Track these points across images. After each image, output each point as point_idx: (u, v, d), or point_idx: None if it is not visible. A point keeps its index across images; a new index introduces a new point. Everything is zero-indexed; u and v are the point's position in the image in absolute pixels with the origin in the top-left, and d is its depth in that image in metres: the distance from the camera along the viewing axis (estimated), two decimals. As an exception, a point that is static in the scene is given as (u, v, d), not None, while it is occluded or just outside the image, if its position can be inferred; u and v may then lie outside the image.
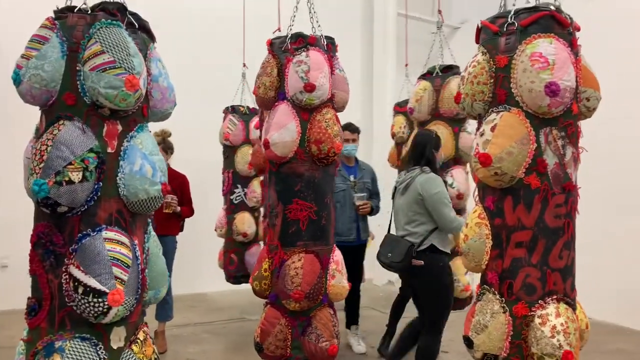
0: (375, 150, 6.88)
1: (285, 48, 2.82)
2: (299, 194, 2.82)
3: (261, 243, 5.42)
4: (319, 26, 2.93)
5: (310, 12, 2.97)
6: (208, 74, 5.92)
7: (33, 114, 4.92)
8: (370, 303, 5.77)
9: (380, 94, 7.26)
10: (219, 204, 5.39)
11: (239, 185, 5.39)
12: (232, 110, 5.36)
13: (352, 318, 4.36)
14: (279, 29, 4.49)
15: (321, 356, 2.80)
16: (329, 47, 2.92)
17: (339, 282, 2.94)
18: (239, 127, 5.33)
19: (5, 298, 5.01)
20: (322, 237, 2.88)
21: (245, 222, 5.31)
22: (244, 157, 5.32)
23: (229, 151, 5.39)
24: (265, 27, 4.73)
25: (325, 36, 2.93)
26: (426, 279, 3.01)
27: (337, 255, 2.98)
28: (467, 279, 3.89)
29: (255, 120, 5.34)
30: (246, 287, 5.54)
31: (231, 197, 5.41)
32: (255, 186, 5.43)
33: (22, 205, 5.34)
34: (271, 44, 2.92)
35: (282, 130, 2.75)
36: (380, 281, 6.88)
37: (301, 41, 2.81)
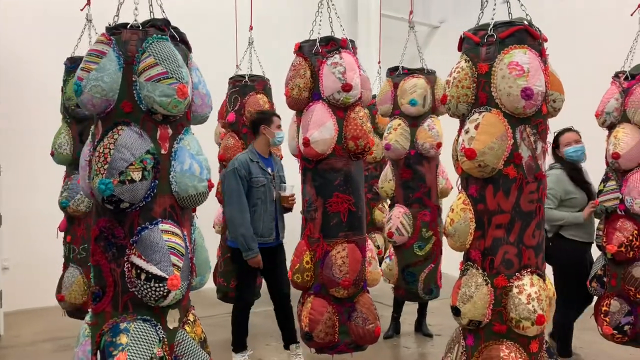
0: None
1: (316, 51, 3.04)
2: (338, 187, 3.06)
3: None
4: (343, 30, 3.16)
5: (329, 16, 3.19)
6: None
7: (32, 123, 5.00)
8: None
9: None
10: (217, 201, 5.57)
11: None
12: (227, 110, 5.56)
13: (290, 335, 3.88)
14: (250, 27, 4.72)
15: (369, 338, 3.06)
16: (354, 49, 3.16)
17: (375, 268, 3.25)
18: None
19: (8, 299, 5.11)
20: (360, 227, 3.15)
21: (242, 218, 5.52)
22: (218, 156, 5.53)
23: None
24: (257, 29, 4.95)
25: (350, 39, 3.17)
26: None
27: (370, 244, 3.24)
28: None
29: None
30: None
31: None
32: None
33: (23, 209, 5.49)
34: (300, 47, 3.13)
35: (322, 128, 2.98)
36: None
37: (333, 44, 3.04)
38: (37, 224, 5.50)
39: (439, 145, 4.16)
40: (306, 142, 3.00)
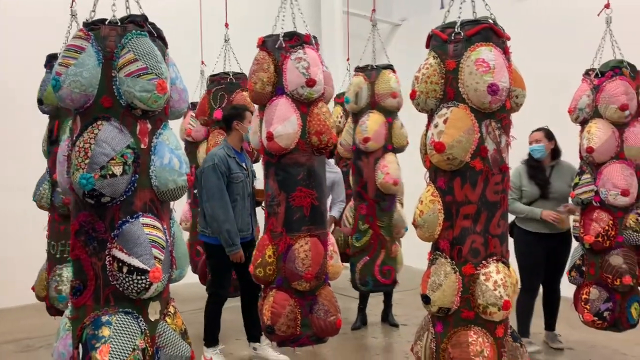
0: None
1: (279, 46, 3.05)
2: (301, 182, 3.07)
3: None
4: (306, 26, 3.21)
5: (292, 11, 3.23)
6: (165, 72, 6.07)
7: (18, 118, 4.89)
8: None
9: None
10: (182, 198, 5.56)
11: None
12: (193, 107, 5.53)
13: (256, 331, 3.98)
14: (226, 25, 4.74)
15: (331, 330, 3.10)
16: (317, 45, 3.20)
17: (336, 262, 3.28)
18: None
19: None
20: (322, 222, 3.18)
21: (209, 215, 5.52)
22: (206, 152, 5.52)
23: (191, 147, 5.57)
24: (221, 25, 4.96)
25: (312, 35, 3.21)
26: None
27: (332, 238, 3.29)
28: None
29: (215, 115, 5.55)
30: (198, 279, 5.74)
31: (195, 191, 5.60)
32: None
33: (4, 206, 5.36)
34: (264, 42, 3.13)
35: (286, 122, 2.99)
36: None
37: (296, 39, 3.06)
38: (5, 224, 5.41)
39: (366, 139, 4.28)
40: (270, 137, 3.01)
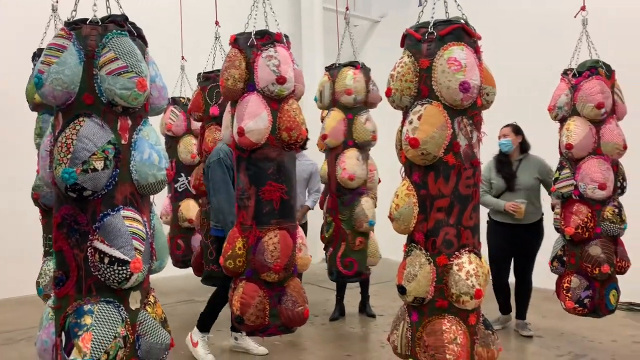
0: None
1: (251, 43, 3.12)
2: (271, 176, 3.12)
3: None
4: (277, 25, 3.28)
5: (264, 10, 3.30)
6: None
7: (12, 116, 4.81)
8: (309, 279, 6.24)
9: (310, 84, 7.67)
10: (162, 192, 5.61)
11: (182, 174, 5.65)
12: (173, 102, 5.58)
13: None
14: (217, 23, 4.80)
15: (298, 320, 3.17)
16: (288, 44, 3.27)
17: (304, 254, 3.35)
18: (181, 118, 5.58)
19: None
20: (291, 215, 3.24)
21: (190, 209, 5.58)
22: (186, 146, 5.57)
23: (172, 141, 5.61)
24: (202, 21, 5.01)
25: (284, 34, 3.29)
26: None
27: (300, 231, 3.38)
28: None
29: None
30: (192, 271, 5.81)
31: (175, 185, 5.66)
32: (199, 174, 5.69)
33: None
34: (236, 39, 3.18)
35: (257, 118, 3.05)
36: (315, 260, 7.38)
37: (268, 38, 3.13)
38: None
39: (324, 137, 4.49)
40: (241, 132, 3.07)
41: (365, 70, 4.61)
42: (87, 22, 2.07)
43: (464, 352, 2.48)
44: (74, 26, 2.06)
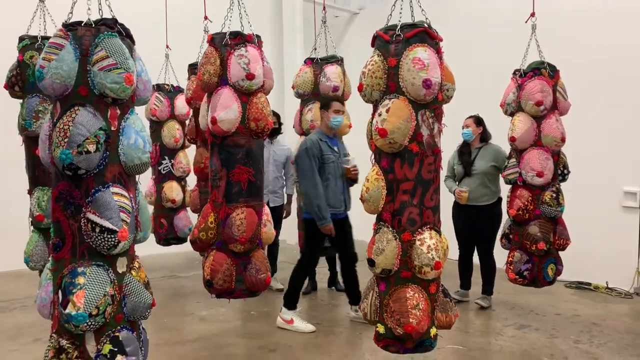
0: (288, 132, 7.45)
1: (225, 43, 3.46)
2: (240, 160, 3.50)
3: (188, 209, 6.05)
4: (250, 26, 3.61)
5: (240, 13, 3.62)
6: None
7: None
8: (288, 259, 6.61)
9: (291, 77, 7.95)
10: (147, 174, 5.93)
11: (166, 157, 5.96)
12: (158, 88, 5.86)
13: (354, 295, 4.51)
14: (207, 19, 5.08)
15: (261, 285, 3.58)
16: (259, 43, 3.62)
17: (269, 229, 3.74)
18: (165, 104, 5.87)
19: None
20: (258, 195, 3.63)
21: (173, 190, 5.90)
22: (170, 131, 5.87)
23: (156, 126, 5.91)
24: (186, 11, 5.28)
25: (255, 34, 3.63)
26: None
27: (266, 209, 3.75)
28: None
29: (180, 97, 5.91)
30: (175, 248, 6.19)
31: (159, 168, 5.97)
32: (182, 157, 6.03)
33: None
34: (212, 38, 3.53)
35: (228, 109, 3.41)
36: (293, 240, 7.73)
37: (240, 38, 3.47)
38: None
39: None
40: (214, 121, 3.44)
41: (318, 65, 5.08)
42: (82, 24, 2.38)
43: (425, 317, 2.78)
44: (71, 27, 2.38)
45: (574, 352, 3.86)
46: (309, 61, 4.98)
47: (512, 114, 4.33)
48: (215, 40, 3.52)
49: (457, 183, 4.95)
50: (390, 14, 3.03)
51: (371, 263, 2.91)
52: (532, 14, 4.29)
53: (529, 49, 4.30)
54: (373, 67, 2.90)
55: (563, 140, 4.15)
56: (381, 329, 2.87)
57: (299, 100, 5.34)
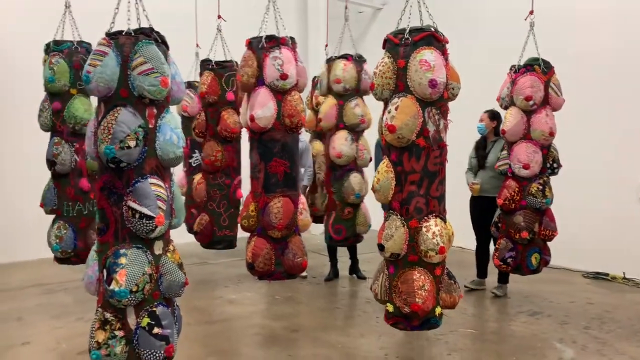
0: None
1: (261, 46, 3.75)
2: (277, 154, 3.80)
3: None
4: (285, 29, 3.88)
5: (276, 19, 3.89)
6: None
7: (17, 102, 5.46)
8: (311, 248, 6.87)
9: (314, 73, 8.16)
10: (179, 167, 6.26)
11: (196, 151, 6.28)
12: (189, 85, 6.18)
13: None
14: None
15: (297, 268, 3.88)
16: (293, 45, 3.88)
17: (305, 217, 4.02)
18: (195, 100, 6.17)
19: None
20: (294, 185, 3.92)
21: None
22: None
23: (187, 121, 6.20)
24: (215, 11, 5.55)
25: (290, 36, 3.89)
26: None
27: (302, 198, 4.03)
28: None
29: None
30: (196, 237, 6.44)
31: (190, 161, 6.31)
32: (211, 151, 6.30)
33: (21, 172, 6.06)
34: (250, 42, 3.83)
35: (264, 108, 3.70)
36: (318, 231, 8.00)
37: (274, 41, 3.75)
38: (21, 187, 6.13)
39: (319, 120, 5.13)
40: (252, 118, 3.73)
41: (358, 62, 5.15)
42: (123, 33, 2.67)
43: (430, 297, 3.04)
44: (113, 36, 2.67)
45: (583, 336, 4.03)
46: (350, 57, 5.16)
47: (506, 108, 4.53)
48: (252, 44, 3.82)
49: (474, 175, 5.12)
50: (400, 18, 3.27)
51: (381, 248, 3.16)
52: (531, 12, 4.47)
53: (527, 44, 4.47)
54: (383, 68, 3.14)
55: (552, 134, 4.34)
56: (390, 307, 3.12)
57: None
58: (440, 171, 3.19)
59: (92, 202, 4.31)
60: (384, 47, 3.26)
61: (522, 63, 4.42)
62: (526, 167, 4.32)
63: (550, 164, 4.47)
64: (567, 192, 5.88)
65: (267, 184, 3.85)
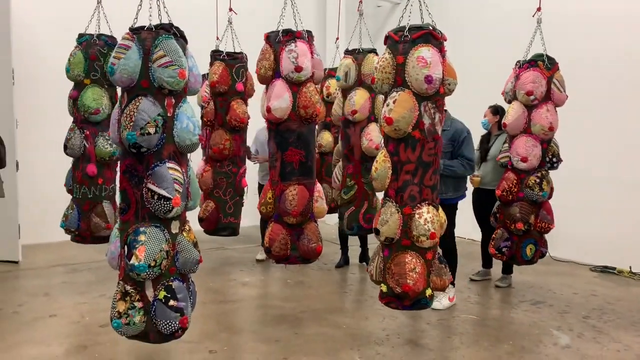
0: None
1: (278, 40, 3.94)
2: (292, 144, 3.98)
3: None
4: (302, 23, 4.07)
5: (294, 13, 4.09)
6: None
7: (44, 94, 5.65)
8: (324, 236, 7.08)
9: (335, 63, 8.30)
10: (199, 155, 6.47)
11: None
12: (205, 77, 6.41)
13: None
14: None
15: (312, 253, 4.06)
16: (309, 39, 4.06)
17: (320, 205, 4.20)
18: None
19: (23, 234, 6.04)
20: (309, 174, 4.09)
21: (222, 170, 6.45)
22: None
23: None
24: (234, 6, 5.77)
25: (306, 30, 4.08)
26: None
27: (318, 186, 4.21)
28: None
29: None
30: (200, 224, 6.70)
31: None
32: (229, 140, 6.53)
33: (37, 159, 6.38)
34: (268, 37, 4.02)
35: (280, 99, 3.89)
36: (332, 221, 8.22)
37: (290, 35, 3.94)
38: (48, 173, 6.46)
39: (353, 112, 5.10)
40: (268, 109, 3.92)
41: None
42: (145, 28, 2.90)
43: (421, 279, 3.22)
44: (135, 31, 2.90)
45: (581, 325, 4.18)
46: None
47: (510, 102, 4.67)
48: (270, 38, 4.01)
49: (478, 167, 5.26)
50: (402, 16, 3.43)
51: (377, 232, 3.35)
52: (539, 9, 4.58)
53: (533, 40, 4.59)
54: (384, 64, 3.31)
55: (551, 129, 4.45)
56: (384, 288, 3.31)
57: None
58: (434, 162, 3.34)
59: (98, 187, 4.57)
60: (385, 44, 3.42)
61: (527, 59, 4.55)
62: (524, 160, 4.46)
63: (550, 159, 4.59)
64: (575, 188, 6.01)
65: (283, 172, 4.04)
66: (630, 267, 5.82)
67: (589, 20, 6.19)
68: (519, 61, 4.60)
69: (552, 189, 4.66)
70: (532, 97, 4.41)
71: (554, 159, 4.61)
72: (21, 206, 5.83)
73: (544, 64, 4.42)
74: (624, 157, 5.94)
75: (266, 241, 4.05)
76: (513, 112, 4.51)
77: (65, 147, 4.53)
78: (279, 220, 4.07)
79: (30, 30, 6.58)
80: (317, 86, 4.22)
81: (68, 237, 5.99)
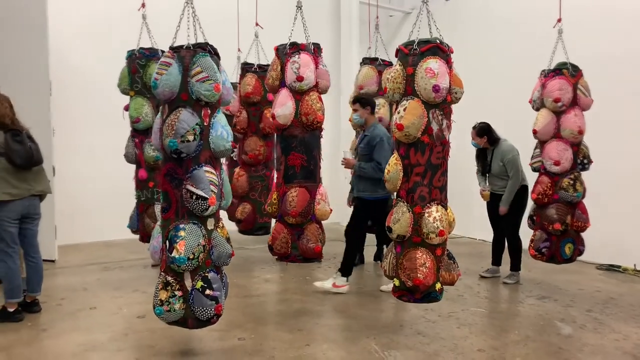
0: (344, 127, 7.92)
1: (285, 52, 4.31)
2: (295, 148, 4.35)
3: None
4: (308, 35, 4.43)
5: (304, 27, 4.44)
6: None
7: (82, 103, 5.75)
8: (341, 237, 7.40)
9: (347, 75, 8.64)
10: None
11: (237, 146, 6.89)
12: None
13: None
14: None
15: (311, 253, 4.40)
16: (315, 50, 4.42)
17: (323, 207, 4.53)
18: (236, 99, 6.78)
19: (59, 235, 6.44)
20: (311, 177, 4.45)
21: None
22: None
23: (228, 119, 6.80)
24: (253, 18, 6.15)
25: (313, 42, 4.43)
26: None
27: (322, 189, 4.55)
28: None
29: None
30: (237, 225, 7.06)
31: (231, 155, 6.91)
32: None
33: (73, 166, 6.79)
34: (277, 49, 4.40)
35: (284, 107, 4.26)
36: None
37: (295, 47, 4.30)
38: (80, 177, 6.88)
39: (379, 119, 5.50)
40: (273, 116, 4.31)
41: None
42: (184, 47, 3.26)
43: (431, 273, 3.53)
44: (175, 50, 3.26)
45: (583, 317, 4.45)
46: (372, 61, 5.68)
47: (538, 109, 4.94)
48: (279, 51, 4.38)
49: (485, 179, 5.57)
50: (412, 31, 3.75)
51: (389, 230, 3.66)
52: (559, 20, 4.86)
53: (555, 50, 4.88)
54: (395, 74, 3.64)
55: (580, 132, 4.73)
56: (396, 282, 3.63)
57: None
58: (442, 164, 3.63)
59: (149, 190, 4.96)
60: (396, 56, 3.74)
61: (551, 67, 4.83)
62: (557, 163, 4.74)
63: (581, 160, 4.86)
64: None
65: (287, 175, 4.40)
66: (634, 265, 6.06)
67: (610, 21, 6.39)
68: (544, 70, 4.89)
69: (585, 189, 4.90)
70: (560, 104, 4.70)
71: (585, 160, 4.88)
72: (57, 209, 6.21)
73: (569, 72, 4.72)
74: (627, 157, 6.18)
75: (269, 239, 4.40)
76: (542, 119, 4.79)
77: (125, 155, 4.97)
78: (281, 220, 4.40)
79: (67, 45, 7.00)
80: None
81: (99, 238, 6.44)
